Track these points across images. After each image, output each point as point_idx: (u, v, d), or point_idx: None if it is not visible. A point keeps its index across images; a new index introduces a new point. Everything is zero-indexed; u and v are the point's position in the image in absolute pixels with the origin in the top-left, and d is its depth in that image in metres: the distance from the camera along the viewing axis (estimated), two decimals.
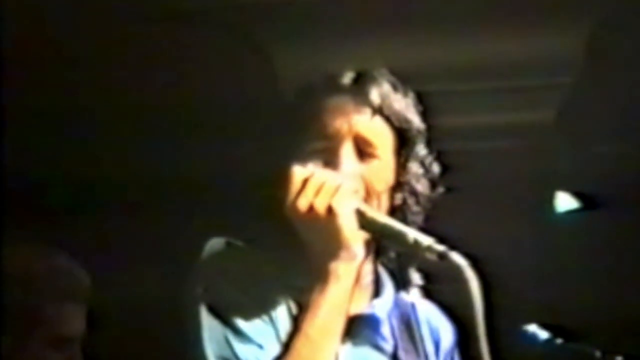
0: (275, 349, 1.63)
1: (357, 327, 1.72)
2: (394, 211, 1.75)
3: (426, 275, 1.86)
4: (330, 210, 1.60)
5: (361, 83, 1.75)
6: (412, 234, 1.61)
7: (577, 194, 4.69)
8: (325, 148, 1.70)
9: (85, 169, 4.31)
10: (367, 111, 1.72)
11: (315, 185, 1.62)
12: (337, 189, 1.61)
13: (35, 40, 3.38)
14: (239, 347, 1.63)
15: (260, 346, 1.63)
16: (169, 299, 1.98)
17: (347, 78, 1.76)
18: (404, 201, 1.77)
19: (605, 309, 4.45)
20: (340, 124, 1.70)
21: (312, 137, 1.71)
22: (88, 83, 3.77)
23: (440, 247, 1.57)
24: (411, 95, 1.80)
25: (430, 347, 1.85)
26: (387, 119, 1.74)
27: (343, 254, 1.61)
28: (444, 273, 1.56)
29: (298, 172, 1.64)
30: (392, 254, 1.82)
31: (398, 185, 1.76)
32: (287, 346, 1.61)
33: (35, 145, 3.98)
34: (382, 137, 1.74)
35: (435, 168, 1.82)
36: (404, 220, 1.73)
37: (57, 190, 4.44)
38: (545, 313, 3.87)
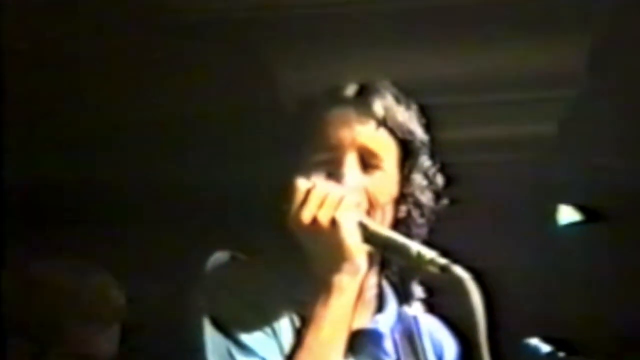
0: None
1: (360, 342, 1.72)
2: (398, 224, 1.75)
3: (428, 288, 1.85)
4: (333, 222, 1.61)
5: (364, 95, 1.75)
6: (415, 246, 1.61)
7: (579, 207, 4.69)
8: (329, 160, 1.70)
9: (86, 180, 4.31)
10: (371, 123, 1.72)
11: (319, 198, 1.62)
12: (340, 201, 1.61)
13: (36, 51, 3.38)
14: None
15: (264, 359, 1.63)
16: (172, 312, 1.99)
17: (350, 90, 1.76)
18: (409, 213, 1.77)
19: (607, 322, 4.44)
20: (343, 135, 1.70)
21: (315, 149, 1.71)
22: (88, 94, 3.78)
23: (443, 260, 1.57)
24: (414, 107, 1.80)
25: None
26: (391, 131, 1.74)
27: (346, 267, 1.61)
28: (446, 286, 1.56)
29: (301, 184, 1.64)
30: (395, 268, 1.82)
31: (402, 197, 1.76)
32: (289, 359, 1.61)
33: (40, 155, 4.00)
34: (386, 149, 1.74)
35: (439, 180, 1.81)
36: (409, 232, 1.73)
37: (55, 200, 4.44)
38: (548, 326, 3.86)
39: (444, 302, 1.83)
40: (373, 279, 1.79)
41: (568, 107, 3.96)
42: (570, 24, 3.52)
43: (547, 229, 4.54)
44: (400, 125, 1.75)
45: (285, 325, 1.68)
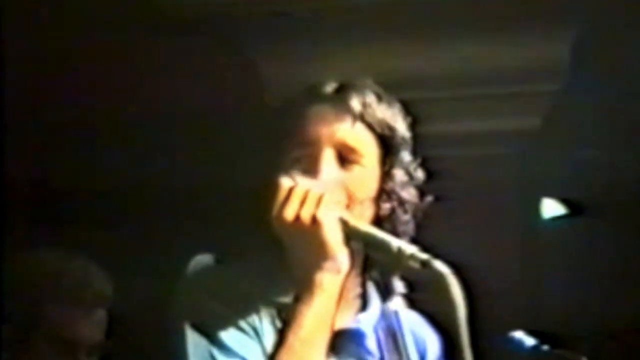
0: None
1: (342, 342, 1.71)
2: (383, 221, 1.75)
3: (409, 283, 1.85)
4: (314, 220, 1.61)
5: (343, 92, 1.75)
6: (395, 242, 1.61)
7: (563, 200, 4.70)
8: (306, 155, 1.70)
9: (76, 177, 4.32)
10: (348, 119, 1.72)
11: (300, 195, 1.62)
12: (320, 199, 1.61)
13: (35, 49, 3.38)
14: None
15: None
16: (153, 313, 1.99)
17: (330, 87, 1.76)
18: (393, 211, 1.76)
19: (591, 315, 4.46)
20: (321, 131, 1.70)
21: (293, 146, 1.71)
22: (73, 92, 3.78)
23: (423, 255, 1.57)
24: (397, 105, 1.80)
25: (414, 357, 1.84)
26: (370, 126, 1.74)
27: (328, 265, 1.61)
28: (427, 281, 1.57)
29: (284, 182, 1.63)
30: (377, 265, 1.81)
31: (385, 194, 1.75)
32: (271, 359, 1.61)
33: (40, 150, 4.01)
34: (365, 144, 1.73)
35: (420, 174, 1.81)
36: (394, 230, 1.73)
37: (49, 197, 4.44)
38: (532, 319, 3.87)
39: (426, 298, 1.83)
40: (356, 279, 1.78)
41: (551, 100, 3.97)
42: (553, 17, 3.54)
43: (531, 223, 4.55)
44: (380, 121, 1.74)
45: (267, 327, 1.67)
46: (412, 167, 1.80)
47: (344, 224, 1.64)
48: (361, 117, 1.73)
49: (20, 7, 2.72)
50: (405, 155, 1.79)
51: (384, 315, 1.83)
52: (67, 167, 4.30)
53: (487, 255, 3.95)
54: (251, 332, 1.66)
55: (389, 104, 1.78)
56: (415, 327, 1.89)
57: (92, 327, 2.21)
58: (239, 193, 1.79)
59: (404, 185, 1.77)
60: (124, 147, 4.22)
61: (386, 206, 1.76)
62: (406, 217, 1.77)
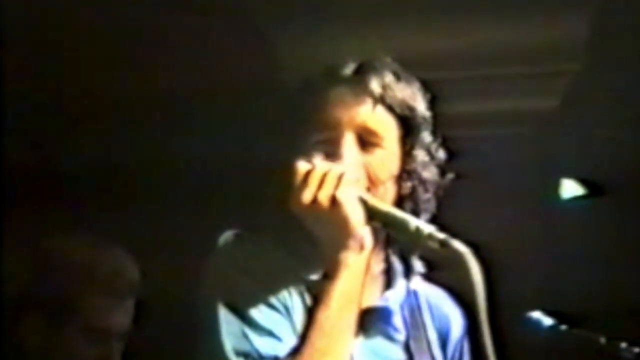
0: (292, 340, 1.63)
1: (370, 320, 1.73)
2: (404, 200, 1.75)
3: (428, 263, 1.86)
4: (334, 201, 1.61)
5: (362, 73, 1.74)
6: (414, 221, 1.62)
7: (582, 181, 4.69)
8: (327, 139, 1.70)
9: (98, 158, 4.32)
10: (368, 101, 1.71)
11: (318, 178, 1.62)
12: (339, 179, 1.62)
13: (39, 29, 3.39)
14: (257, 340, 1.63)
15: (278, 338, 1.63)
16: (183, 292, 1.99)
17: (348, 69, 1.76)
18: (413, 189, 1.76)
19: (610, 295, 4.45)
20: (341, 115, 1.70)
21: (314, 129, 1.71)
22: (87, 70, 3.78)
23: (442, 235, 1.58)
24: (416, 83, 1.80)
25: (432, 335, 1.85)
26: (390, 108, 1.73)
27: (351, 244, 1.62)
28: (447, 260, 1.57)
29: (301, 166, 1.64)
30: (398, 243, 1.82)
31: (406, 174, 1.76)
32: (302, 338, 1.62)
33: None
34: (386, 127, 1.73)
35: (441, 154, 1.81)
36: (415, 208, 1.74)
37: (67, 179, 4.45)
38: (550, 299, 3.87)
39: (444, 276, 1.84)
40: (380, 254, 1.79)
41: (570, 80, 3.96)
42: None
43: (550, 203, 4.54)
44: (400, 102, 1.74)
45: (297, 304, 1.69)
46: (433, 147, 1.80)
47: (363, 203, 1.64)
48: (381, 100, 1.72)
49: None
50: (426, 136, 1.79)
51: (409, 292, 1.84)
52: (83, 150, 4.31)
53: (505, 235, 3.95)
54: (282, 309, 1.67)
55: (408, 82, 1.78)
56: (438, 304, 1.89)
57: (124, 315, 2.22)
58: (260, 173, 1.79)
59: (425, 165, 1.78)
60: (143, 128, 4.22)
61: (407, 185, 1.76)
62: (427, 196, 1.78)
